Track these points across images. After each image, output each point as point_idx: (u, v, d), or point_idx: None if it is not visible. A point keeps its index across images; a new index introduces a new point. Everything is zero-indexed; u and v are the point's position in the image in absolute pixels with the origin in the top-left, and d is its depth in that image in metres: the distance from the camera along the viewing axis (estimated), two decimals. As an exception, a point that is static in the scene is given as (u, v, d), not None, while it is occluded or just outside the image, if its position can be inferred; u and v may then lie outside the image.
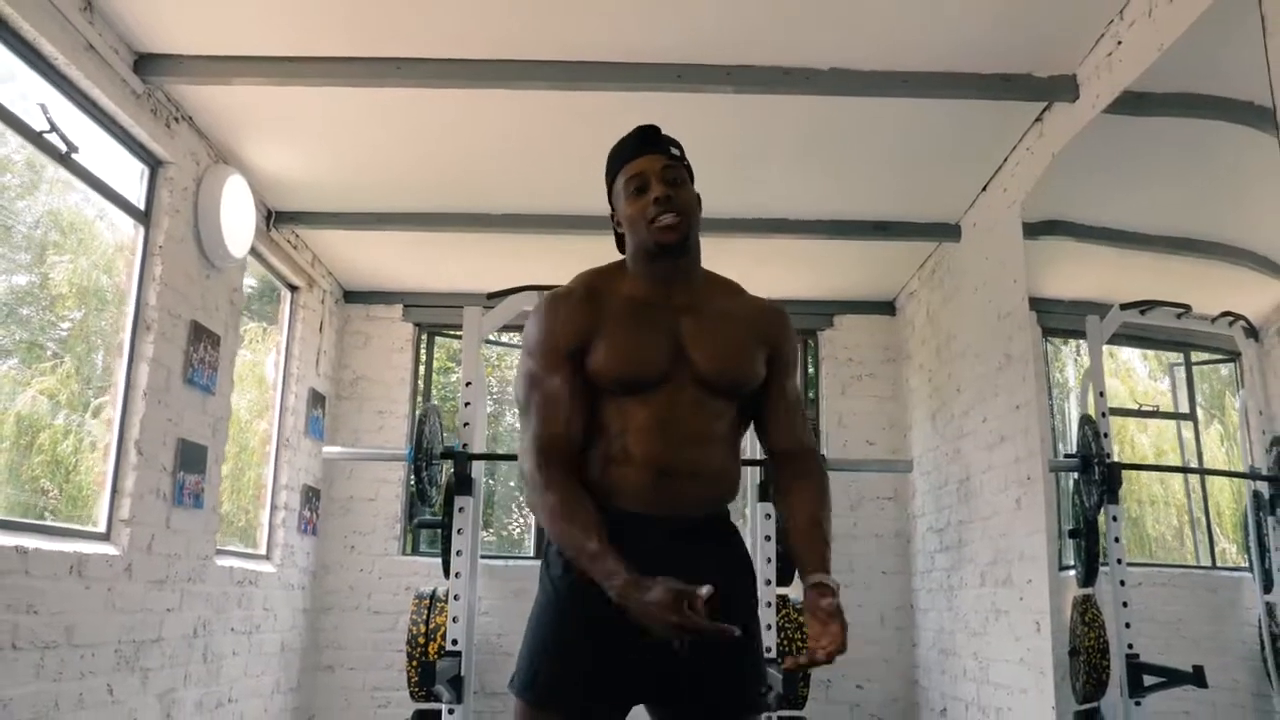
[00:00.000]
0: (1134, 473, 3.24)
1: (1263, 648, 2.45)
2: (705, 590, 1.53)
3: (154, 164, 3.51)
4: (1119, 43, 2.89)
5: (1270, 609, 2.46)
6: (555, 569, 1.78)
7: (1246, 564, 2.68)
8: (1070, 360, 3.74)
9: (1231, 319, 2.62)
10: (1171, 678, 2.91)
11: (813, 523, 1.79)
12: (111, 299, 3.49)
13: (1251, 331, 2.51)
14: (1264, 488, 2.52)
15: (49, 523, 3.09)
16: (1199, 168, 2.74)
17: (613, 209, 1.87)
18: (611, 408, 1.77)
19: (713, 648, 1.64)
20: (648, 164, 1.80)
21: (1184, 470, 3.11)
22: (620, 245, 1.88)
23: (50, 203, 3.24)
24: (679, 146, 1.86)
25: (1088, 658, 3.24)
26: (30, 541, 2.75)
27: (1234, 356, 2.69)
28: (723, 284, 1.92)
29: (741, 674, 1.76)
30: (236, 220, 3.87)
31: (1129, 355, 3.46)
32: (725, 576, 1.70)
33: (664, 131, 1.87)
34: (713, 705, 1.73)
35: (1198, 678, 2.75)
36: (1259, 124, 2.20)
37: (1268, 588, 2.48)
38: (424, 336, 5.67)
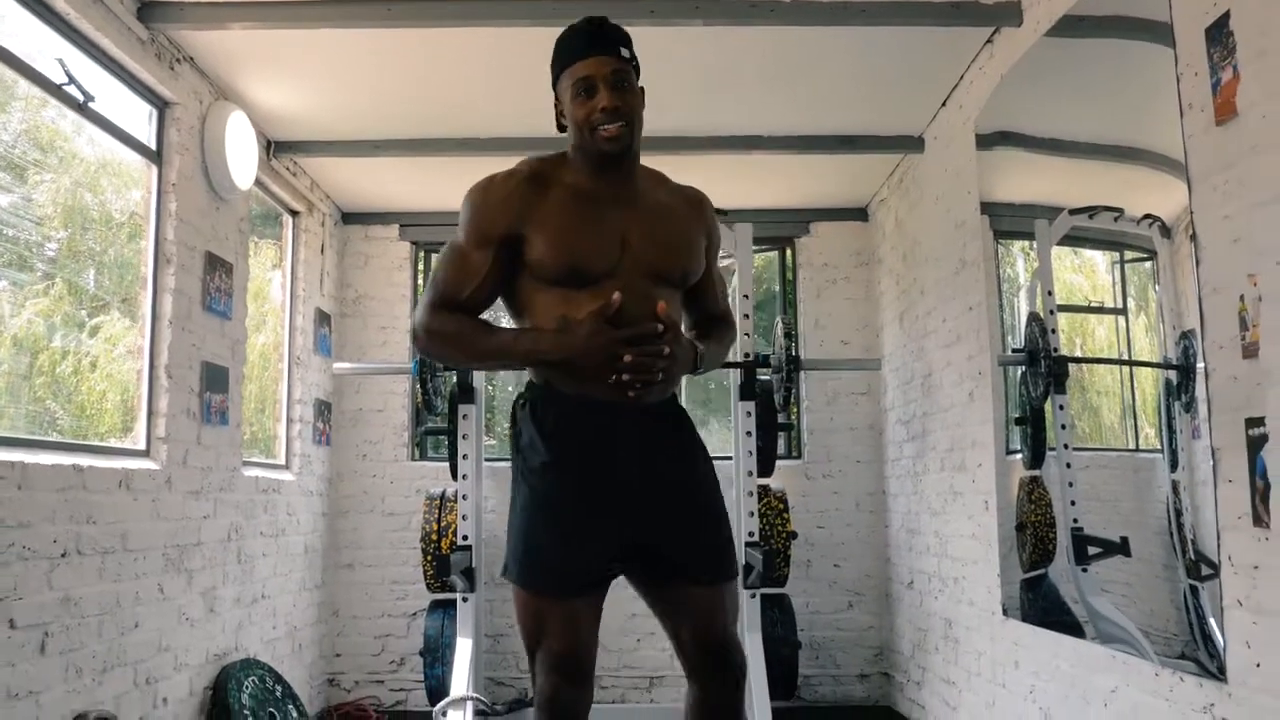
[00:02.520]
0: (1095, 365, 3.52)
1: (1169, 522, 2.73)
2: (615, 296, 1.74)
3: (161, 105, 3.74)
4: (1057, -29, 3.11)
5: (1175, 486, 2.72)
6: (527, 459, 1.88)
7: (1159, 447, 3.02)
8: (1020, 257, 4.03)
9: (1151, 220, 2.88)
10: (1107, 548, 3.27)
11: (708, 336, 2.05)
12: (98, 217, 3.61)
13: (1166, 231, 2.70)
14: (1174, 376, 2.80)
15: (98, 443, 3.43)
16: (1129, 82, 2.95)
17: (557, 97, 1.93)
18: (558, 299, 1.82)
19: (680, 518, 1.86)
20: (596, 67, 1.81)
21: (1115, 362, 3.42)
22: (561, 127, 1.94)
23: (26, 119, 3.25)
24: (628, 43, 1.86)
25: (1034, 531, 3.59)
26: (85, 460, 3.09)
27: (1154, 255, 2.95)
28: (651, 175, 2.00)
29: (714, 542, 1.92)
30: (240, 153, 4.11)
31: (1092, 253, 3.71)
32: (684, 457, 1.93)
33: (614, 23, 1.88)
34: (687, 568, 1.89)
35: (1124, 548, 3.09)
36: (1167, 40, 2.45)
37: (1174, 467, 2.75)
38: (420, 254, 5.93)
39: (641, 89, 1.90)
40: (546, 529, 1.85)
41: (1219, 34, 2.20)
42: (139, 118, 3.67)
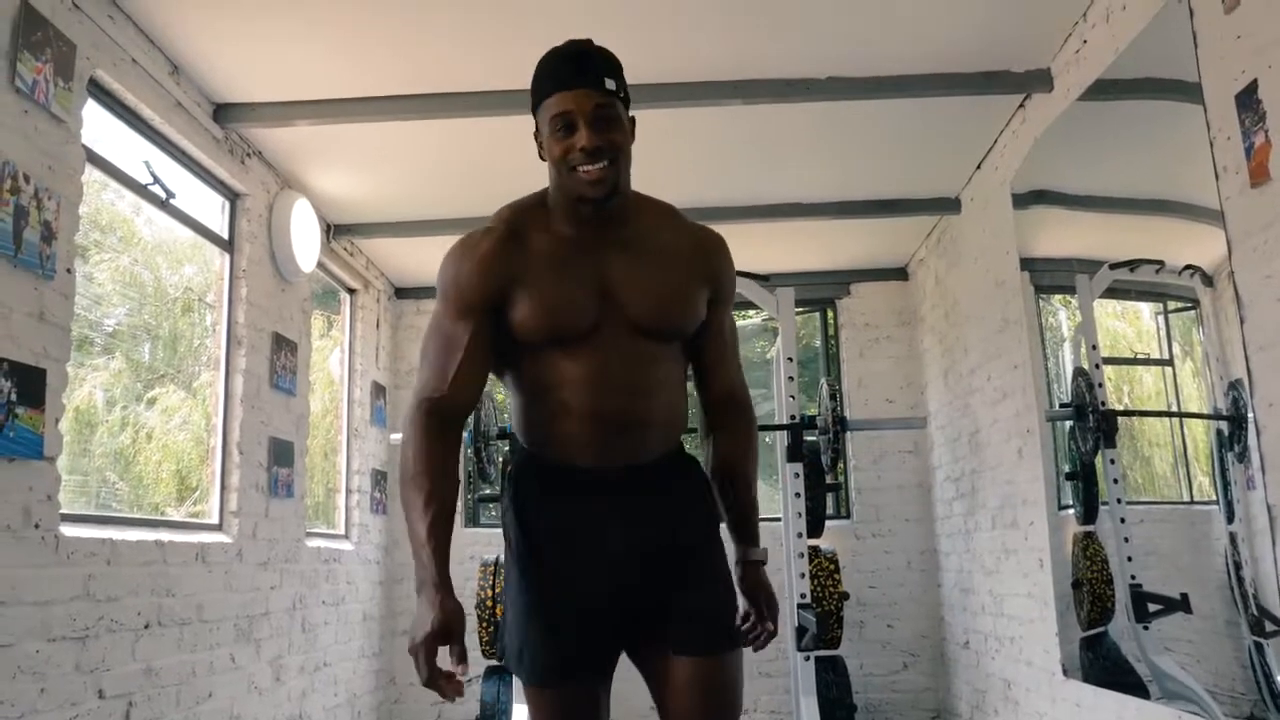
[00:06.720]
0: (1145, 416, 3.50)
1: (1229, 576, 2.66)
2: (460, 670, 1.50)
3: (233, 197, 3.95)
4: (1085, 41, 3.22)
5: (1233, 538, 2.66)
6: (513, 540, 1.73)
7: (1215, 498, 3.00)
8: (1061, 310, 4.07)
9: (1192, 270, 2.92)
10: (1167, 604, 3.21)
11: (734, 476, 1.81)
12: (152, 293, 3.73)
13: (1208, 280, 2.70)
14: (1224, 427, 2.78)
15: (175, 518, 3.58)
16: (1162, 137, 3.00)
17: (537, 126, 1.67)
18: (545, 361, 1.67)
19: (672, 586, 1.68)
20: (576, 101, 1.59)
21: (1165, 414, 3.42)
22: (543, 157, 1.69)
23: (88, 202, 3.25)
24: (615, 71, 1.65)
25: (1090, 588, 3.53)
26: (165, 535, 3.24)
27: (1196, 304, 2.92)
28: (656, 209, 1.77)
29: (714, 608, 1.71)
30: (304, 238, 4.31)
31: (1136, 303, 3.72)
32: (674, 518, 1.72)
33: (601, 47, 1.66)
34: (692, 643, 1.68)
35: (1185, 604, 3.01)
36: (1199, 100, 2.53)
37: (1230, 519, 2.68)
38: (470, 326, 6.09)
39: (633, 119, 1.66)
40: (535, 619, 1.69)
41: (1249, 100, 2.29)
42: (213, 209, 3.88)
